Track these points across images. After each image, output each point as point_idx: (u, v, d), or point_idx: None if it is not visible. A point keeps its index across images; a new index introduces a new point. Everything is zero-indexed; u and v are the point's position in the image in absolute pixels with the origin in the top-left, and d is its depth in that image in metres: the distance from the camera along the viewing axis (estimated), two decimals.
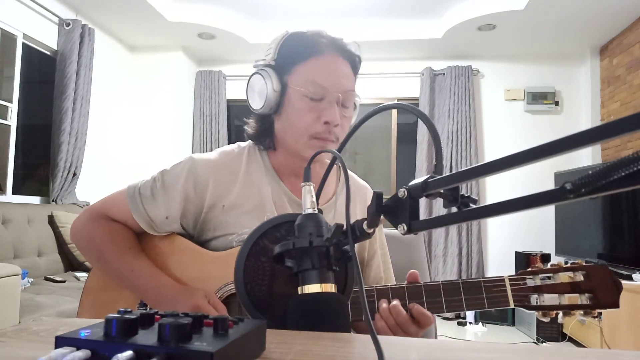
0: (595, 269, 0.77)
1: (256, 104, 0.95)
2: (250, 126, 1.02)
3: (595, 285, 0.76)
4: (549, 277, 0.79)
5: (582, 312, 0.76)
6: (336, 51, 0.93)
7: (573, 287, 0.77)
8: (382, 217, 0.51)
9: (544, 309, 0.78)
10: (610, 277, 0.76)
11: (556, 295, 0.78)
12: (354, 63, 0.97)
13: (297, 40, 0.94)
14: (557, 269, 0.79)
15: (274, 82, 0.92)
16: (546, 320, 0.78)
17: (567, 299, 0.77)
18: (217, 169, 0.96)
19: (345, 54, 0.95)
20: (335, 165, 1.08)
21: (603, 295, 0.75)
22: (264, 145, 1.01)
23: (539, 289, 0.79)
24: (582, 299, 0.76)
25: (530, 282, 0.79)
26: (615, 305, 0.75)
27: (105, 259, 0.93)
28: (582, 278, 0.77)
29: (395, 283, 1.09)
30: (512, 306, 0.79)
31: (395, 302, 0.79)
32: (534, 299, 0.78)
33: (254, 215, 0.93)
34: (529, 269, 0.81)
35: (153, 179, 0.96)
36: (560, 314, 0.77)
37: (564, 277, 0.78)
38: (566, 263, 0.80)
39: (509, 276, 0.80)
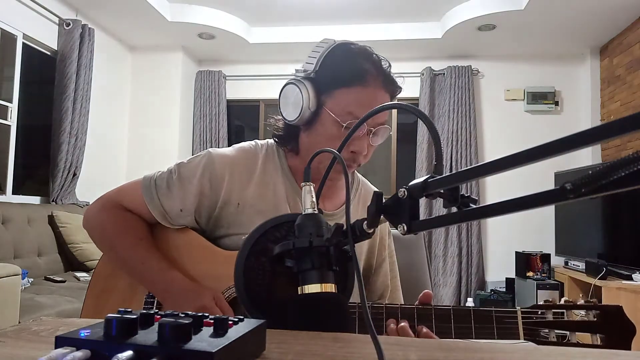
0: (610, 310, 0.75)
1: (289, 115, 0.92)
2: (276, 129, 1.01)
3: (608, 326, 0.74)
4: (561, 313, 0.78)
5: None
6: (380, 83, 0.90)
7: (585, 326, 0.75)
8: (382, 217, 0.51)
9: (554, 344, 0.76)
10: (624, 320, 0.74)
11: (567, 332, 0.76)
12: (394, 95, 0.95)
13: (342, 58, 0.89)
14: (571, 306, 0.77)
15: (311, 100, 0.89)
16: None
17: (578, 336, 0.75)
18: (234, 166, 0.95)
19: (388, 86, 0.92)
20: (351, 175, 1.07)
21: (615, 337, 0.73)
22: (288, 148, 1.00)
23: (551, 325, 0.77)
24: (594, 339, 0.74)
25: (542, 317, 0.78)
26: (627, 348, 0.73)
27: (116, 249, 0.93)
28: (595, 318, 0.75)
29: (400, 290, 1.08)
30: (522, 340, 0.77)
31: (404, 323, 0.78)
32: (545, 334, 0.77)
33: (268, 215, 0.92)
34: (542, 304, 0.79)
35: (169, 171, 0.96)
36: None
37: (577, 315, 0.77)
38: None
39: (522, 308, 0.79)
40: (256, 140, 1.03)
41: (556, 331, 0.77)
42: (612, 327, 0.74)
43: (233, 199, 0.93)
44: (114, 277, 0.95)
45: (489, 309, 0.79)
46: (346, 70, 0.89)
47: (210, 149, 0.98)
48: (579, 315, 0.76)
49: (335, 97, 0.89)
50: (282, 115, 0.95)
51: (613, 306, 0.75)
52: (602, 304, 0.76)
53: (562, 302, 0.79)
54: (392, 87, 0.93)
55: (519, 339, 0.78)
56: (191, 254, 0.94)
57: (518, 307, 0.80)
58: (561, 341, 0.76)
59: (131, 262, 0.91)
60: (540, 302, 0.80)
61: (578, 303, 0.78)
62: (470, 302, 4.33)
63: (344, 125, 0.88)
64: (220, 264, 0.91)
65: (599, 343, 0.74)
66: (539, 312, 0.78)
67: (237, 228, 0.93)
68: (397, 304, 0.82)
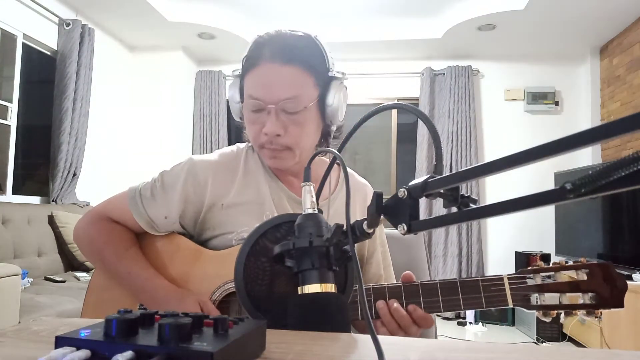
0: (599, 268, 0.74)
1: (235, 116, 0.99)
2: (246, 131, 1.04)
3: (598, 284, 0.73)
4: (550, 276, 0.77)
5: (584, 311, 0.73)
6: (274, 59, 0.86)
7: (575, 286, 0.75)
8: (382, 217, 0.51)
9: (545, 308, 0.75)
10: (615, 276, 0.73)
11: (557, 294, 0.75)
12: (304, 61, 0.87)
13: (250, 48, 0.91)
14: (559, 268, 0.77)
15: (236, 94, 0.94)
16: (547, 320, 0.75)
17: (569, 298, 0.74)
18: (216, 169, 0.97)
19: (287, 56, 0.86)
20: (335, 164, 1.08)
21: (607, 294, 0.72)
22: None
23: (540, 288, 0.76)
24: (585, 298, 0.73)
25: (530, 281, 0.77)
26: (620, 305, 0.72)
27: (103, 261, 0.95)
28: (584, 277, 0.74)
29: (393, 278, 1.09)
30: (510, 306, 0.77)
31: (396, 304, 0.79)
32: (534, 298, 0.76)
33: (253, 213, 0.93)
34: (530, 268, 0.78)
35: (153, 180, 0.98)
36: (562, 313, 0.75)
37: (565, 276, 0.76)
38: (566, 263, 0.78)
39: (508, 275, 0.78)
40: (237, 144, 1.05)
41: (546, 294, 0.76)
42: (603, 284, 0.73)
43: (217, 201, 0.94)
44: (108, 290, 0.96)
45: (475, 278, 0.79)
46: (247, 59, 0.90)
47: (192, 156, 1.00)
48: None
49: (245, 84, 0.91)
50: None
51: (603, 263, 0.75)
52: (590, 262, 0.75)
53: (550, 265, 0.78)
54: (292, 56, 0.86)
55: (507, 305, 0.78)
56: (179, 258, 0.95)
57: (504, 274, 0.79)
58: (552, 304, 0.75)
59: (118, 272, 0.92)
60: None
61: (566, 264, 0.77)
62: None
63: (250, 109, 0.89)
64: (209, 265, 0.92)
65: (590, 302, 0.73)
66: (527, 277, 0.77)
67: (224, 228, 0.94)
68: (384, 284, 0.82)
